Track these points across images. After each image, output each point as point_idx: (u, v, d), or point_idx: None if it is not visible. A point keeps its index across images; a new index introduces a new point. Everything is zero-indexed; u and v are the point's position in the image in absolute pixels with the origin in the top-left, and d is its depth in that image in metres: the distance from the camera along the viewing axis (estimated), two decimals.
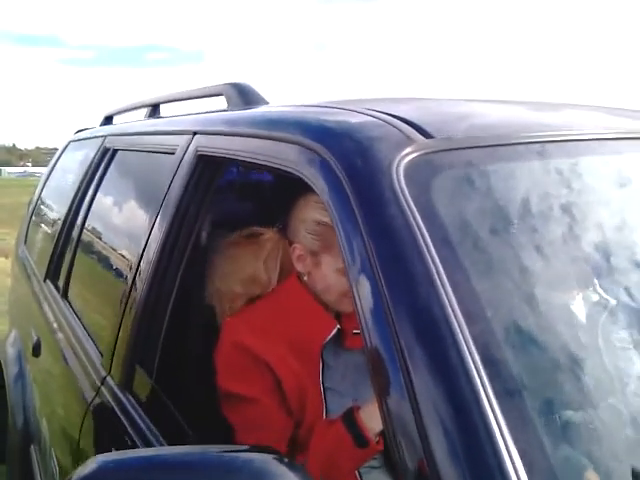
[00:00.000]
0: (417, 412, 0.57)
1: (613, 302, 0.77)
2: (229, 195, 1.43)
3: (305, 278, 1.14)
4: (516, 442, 0.54)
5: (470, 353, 0.58)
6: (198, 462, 0.52)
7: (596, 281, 0.77)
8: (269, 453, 0.54)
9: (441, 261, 0.64)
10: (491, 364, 0.58)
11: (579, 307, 0.78)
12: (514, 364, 0.61)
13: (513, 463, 0.53)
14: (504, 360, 0.60)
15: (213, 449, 0.55)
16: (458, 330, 0.60)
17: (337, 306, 1.12)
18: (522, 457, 0.53)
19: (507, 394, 0.58)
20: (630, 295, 0.76)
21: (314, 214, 1.09)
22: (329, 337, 1.10)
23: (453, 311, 0.61)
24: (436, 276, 0.62)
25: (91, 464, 0.53)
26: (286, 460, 0.54)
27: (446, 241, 0.67)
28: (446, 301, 0.61)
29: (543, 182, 0.78)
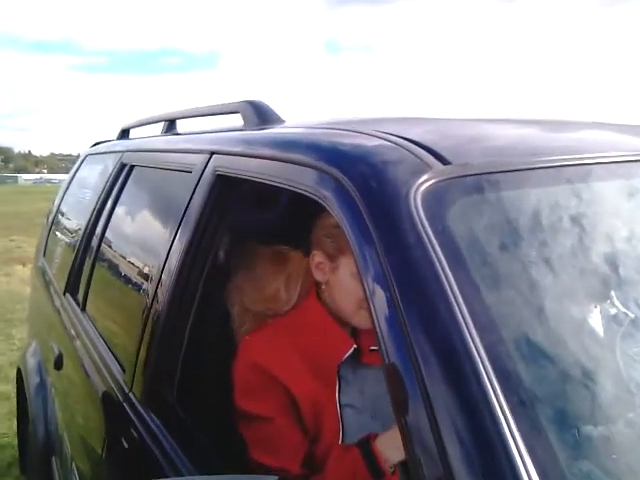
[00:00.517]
0: (434, 425, 0.59)
1: (632, 315, 0.77)
2: (248, 212, 1.45)
3: (323, 287, 1.15)
4: (532, 456, 0.56)
5: (484, 367, 0.60)
6: None
7: (613, 294, 0.78)
8: None
9: (461, 293, 0.65)
10: (507, 378, 0.60)
11: (597, 321, 0.78)
12: (529, 377, 0.63)
13: (529, 477, 0.54)
14: (519, 373, 0.62)
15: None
16: (473, 347, 0.62)
17: (353, 320, 1.13)
18: (539, 472, 0.55)
19: (522, 406, 0.60)
20: None
21: (332, 219, 1.11)
22: (346, 356, 1.11)
23: (470, 335, 0.62)
24: (455, 306, 0.63)
25: None
26: None
27: (465, 270, 0.68)
28: (465, 329, 0.63)
29: (562, 207, 0.79)
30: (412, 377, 0.63)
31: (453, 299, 0.65)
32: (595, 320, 0.78)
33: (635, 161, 0.88)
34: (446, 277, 0.66)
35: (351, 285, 1.09)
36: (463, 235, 0.71)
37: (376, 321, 0.70)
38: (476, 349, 0.61)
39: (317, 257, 1.14)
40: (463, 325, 0.63)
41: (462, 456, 0.57)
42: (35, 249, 3.35)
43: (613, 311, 0.78)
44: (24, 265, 8.76)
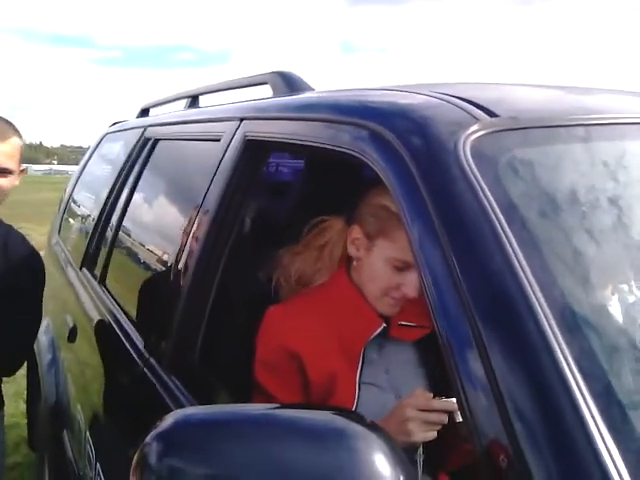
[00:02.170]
0: (503, 407, 0.54)
1: None
2: (280, 180, 1.43)
3: (354, 264, 1.12)
4: (612, 432, 0.50)
5: (556, 340, 0.55)
6: (279, 420, 0.51)
7: None
8: (349, 415, 0.54)
9: (517, 241, 0.62)
10: (578, 349, 0.55)
11: None
12: (599, 349, 0.58)
13: (611, 457, 0.49)
14: (591, 347, 0.57)
15: (295, 408, 0.54)
16: (542, 315, 0.56)
17: (376, 304, 1.10)
18: (623, 456, 0.49)
19: (597, 382, 0.55)
20: None
21: (381, 199, 1.07)
22: (373, 335, 1.08)
23: (534, 294, 0.58)
24: (514, 258, 0.60)
25: (171, 418, 0.53)
26: (366, 421, 0.53)
27: (519, 220, 0.65)
28: (527, 284, 0.59)
29: (612, 163, 0.76)
30: (474, 351, 0.57)
31: (511, 251, 0.61)
32: None
33: None
34: (500, 224, 0.63)
35: (382, 270, 1.07)
36: (516, 187, 0.69)
37: (427, 284, 0.65)
38: (543, 313, 0.56)
39: (355, 232, 1.11)
40: (526, 284, 0.58)
41: (532, 435, 0.52)
42: (43, 237, 3.34)
43: None
44: None
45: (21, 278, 1.52)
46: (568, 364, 0.54)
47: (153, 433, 0.52)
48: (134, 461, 0.53)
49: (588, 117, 0.82)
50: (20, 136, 1.53)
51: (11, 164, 1.47)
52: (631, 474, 0.49)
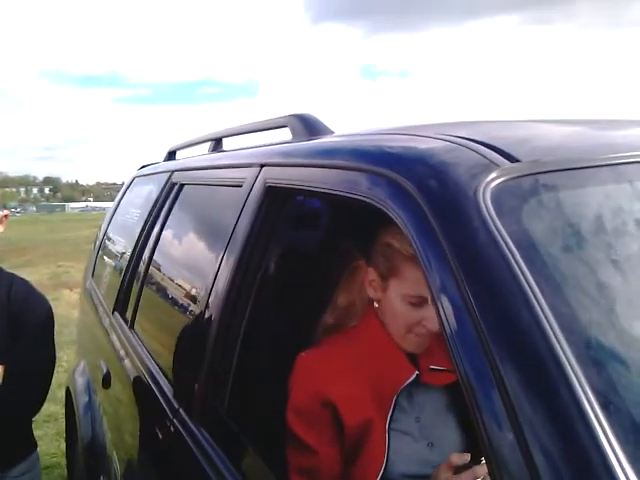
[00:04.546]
0: (523, 442, 0.53)
1: None
2: (300, 226, 1.43)
3: (376, 306, 1.11)
4: (634, 468, 0.50)
5: (575, 374, 0.55)
6: None
7: None
8: None
9: (542, 293, 0.60)
10: (600, 386, 0.54)
11: None
12: (622, 387, 0.57)
13: None
14: (613, 380, 0.57)
15: None
16: (564, 358, 0.56)
17: (402, 343, 1.08)
18: None
19: (618, 416, 0.54)
20: None
21: (386, 237, 1.08)
22: (406, 383, 1.06)
23: (558, 340, 0.57)
24: (538, 308, 0.59)
25: None
26: None
27: (544, 270, 0.63)
28: (550, 331, 0.58)
29: (637, 203, 0.73)
30: (493, 390, 0.57)
31: (535, 300, 0.59)
32: None
33: None
34: (525, 277, 0.61)
35: (400, 308, 1.05)
36: (539, 234, 0.66)
37: (447, 330, 0.64)
38: (564, 354, 0.56)
39: (370, 274, 1.10)
40: (548, 328, 0.58)
41: (554, 476, 0.51)
42: (82, 274, 3.43)
43: None
44: (71, 290, 9.04)
45: (30, 322, 1.58)
46: (588, 399, 0.53)
47: None
48: None
49: (616, 155, 0.80)
50: None
51: None
52: None
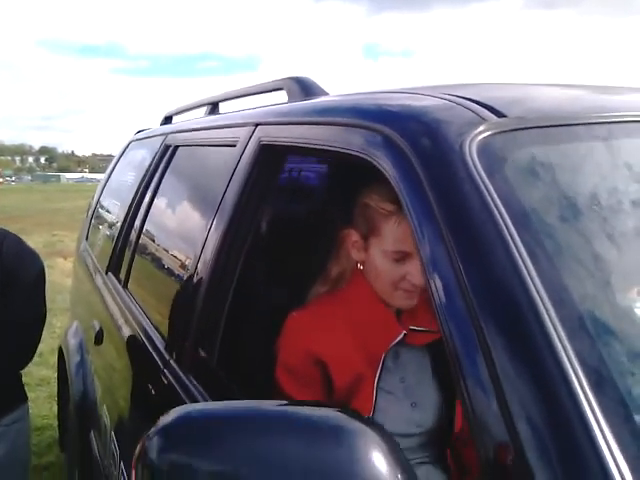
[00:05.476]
0: (505, 408, 0.53)
1: None
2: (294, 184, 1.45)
3: (361, 267, 1.13)
4: (616, 437, 0.49)
5: (562, 343, 0.54)
6: (278, 416, 0.52)
7: None
8: (347, 412, 0.54)
9: (522, 241, 0.61)
10: (585, 353, 0.54)
11: None
12: (606, 352, 0.57)
13: (616, 462, 0.48)
14: (596, 352, 0.56)
15: (294, 405, 0.56)
16: (547, 318, 0.56)
17: (390, 300, 1.10)
18: (626, 457, 0.48)
19: (601, 385, 0.53)
20: None
21: (364, 198, 1.10)
22: (394, 343, 1.08)
23: (540, 297, 0.57)
24: (519, 259, 0.60)
25: (174, 413, 0.55)
26: (364, 418, 0.54)
27: (525, 220, 0.65)
28: (532, 286, 0.58)
29: (620, 161, 0.76)
30: (476, 350, 0.57)
31: (515, 249, 0.60)
32: None
33: None
34: (505, 225, 0.63)
35: (383, 265, 1.07)
36: (523, 186, 0.68)
37: (431, 282, 0.66)
38: (547, 314, 0.55)
39: (353, 236, 1.12)
40: (530, 282, 0.58)
41: (535, 438, 0.51)
42: (76, 243, 3.45)
43: None
44: (65, 258, 9.05)
45: (21, 276, 1.60)
46: (573, 367, 0.53)
47: (155, 428, 0.54)
48: (135, 455, 0.55)
49: (597, 115, 0.81)
50: None
51: None
52: (634, 476, 0.48)
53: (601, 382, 0.53)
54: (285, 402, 0.58)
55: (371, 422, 0.53)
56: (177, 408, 0.56)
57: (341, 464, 0.48)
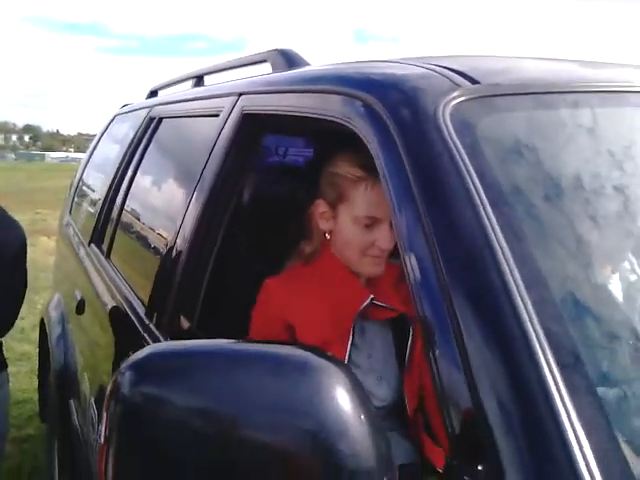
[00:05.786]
0: (471, 382, 0.54)
1: None
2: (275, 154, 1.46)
3: (328, 237, 1.15)
4: (579, 412, 0.50)
5: (530, 318, 0.55)
6: (247, 353, 0.55)
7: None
8: (313, 350, 0.56)
9: (489, 201, 0.63)
10: (548, 328, 0.54)
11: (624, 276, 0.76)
12: (573, 330, 0.57)
13: (575, 433, 0.49)
14: (561, 325, 0.56)
15: (262, 343, 0.58)
16: (515, 289, 0.56)
17: (359, 268, 1.12)
18: (585, 428, 0.50)
19: (566, 362, 0.54)
20: None
21: (331, 167, 1.11)
22: (362, 307, 1.10)
23: (505, 257, 0.59)
24: (486, 220, 0.62)
25: (146, 350, 0.57)
26: (330, 355, 0.56)
27: (494, 184, 0.67)
28: (496, 244, 0.60)
29: (591, 130, 0.78)
30: (447, 326, 0.58)
31: (482, 211, 0.62)
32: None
33: None
34: (474, 186, 0.65)
35: (352, 232, 1.09)
36: (494, 151, 0.70)
37: (402, 245, 0.67)
38: (515, 284, 0.56)
39: (321, 206, 1.13)
40: (496, 244, 0.59)
41: (499, 412, 0.52)
42: (59, 221, 3.44)
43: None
44: (49, 237, 8.97)
45: (3, 247, 1.61)
46: (540, 342, 0.54)
47: (127, 364, 0.56)
48: (108, 391, 0.57)
49: (570, 84, 0.84)
50: None
51: None
52: (589, 441, 0.50)
53: (566, 357, 0.54)
54: (255, 341, 0.60)
55: (336, 360, 0.55)
56: (150, 345, 0.58)
57: (306, 399, 0.50)
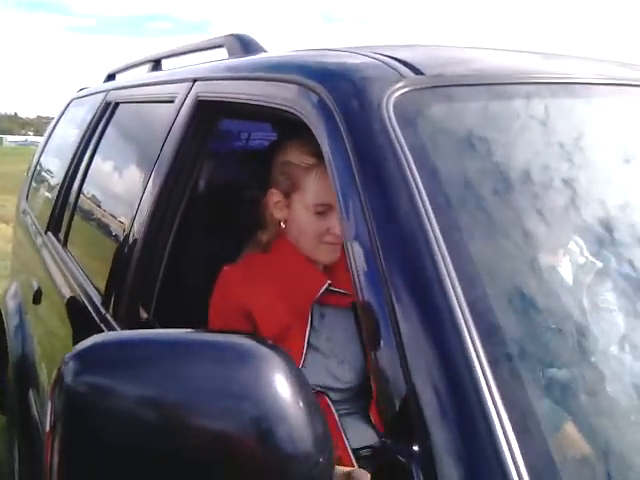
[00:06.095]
0: (405, 366, 0.57)
1: (599, 265, 0.78)
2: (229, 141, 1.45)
3: (283, 226, 1.16)
4: (502, 394, 0.53)
5: (457, 297, 0.57)
6: (189, 341, 0.56)
7: (582, 243, 0.79)
8: (254, 338, 0.58)
9: (426, 191, 0.65)
10: (477, 312, 0.57)
11: (566, 269, 0.79)
12: (503, 319, 0.59)
13: (499, 414, 0.52)
14: (491, 312, 0.59)
15: (204, 332, 0.59)
16: (447, 277, 0.59)
17: (315, 255, 1.13)
18: (507, 408, 0.53)
19: (495, 348, 0.56)
20: (619, 257, 0.75)
21: (282, 156, 1.12)
22: (320, 293, 1.11)
23: (438, 245, 0.61)
24: (421, 206, 0.64)
25: (90, 340, 0.57)
26: (270, 343, 0.58)
27: (432, 173, 0.69)
28: (430, 232, 0.62)
29: (535, 120, 0.81)
30: (385, 312, 0.60)
31: (420, 202, 0.64)
32: (567, 268, 0.78)
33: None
34: (413, 177, 0.67)
35: (307, 219, 1.10)
36: (434, 142, 0.72)
37: (347, 235, 0.69)
38: (446, 268, 0.58)
39: (275, 196, 1.14)
40: (433, 240, 0.61)
41: (431, 394, 0.54)
42: (16, 208, 3.34)
43: (582, 260, 0.79)
44: (7, 224, 8.69)
45: None
46: (470, 331, 0.56)
47: (71, 353, 0.56)
48: (52, 380, 0.57)
49: (515, 76, 0.86)
50: None
51: None
52: (510, 418, 0.52)
53: (495, 345, 0.57)
54: (198, 329, 0.61)
55: (276, 348, 0.57)
56: (94, 335, 0.58)
57: (246, 386, 0.52)
